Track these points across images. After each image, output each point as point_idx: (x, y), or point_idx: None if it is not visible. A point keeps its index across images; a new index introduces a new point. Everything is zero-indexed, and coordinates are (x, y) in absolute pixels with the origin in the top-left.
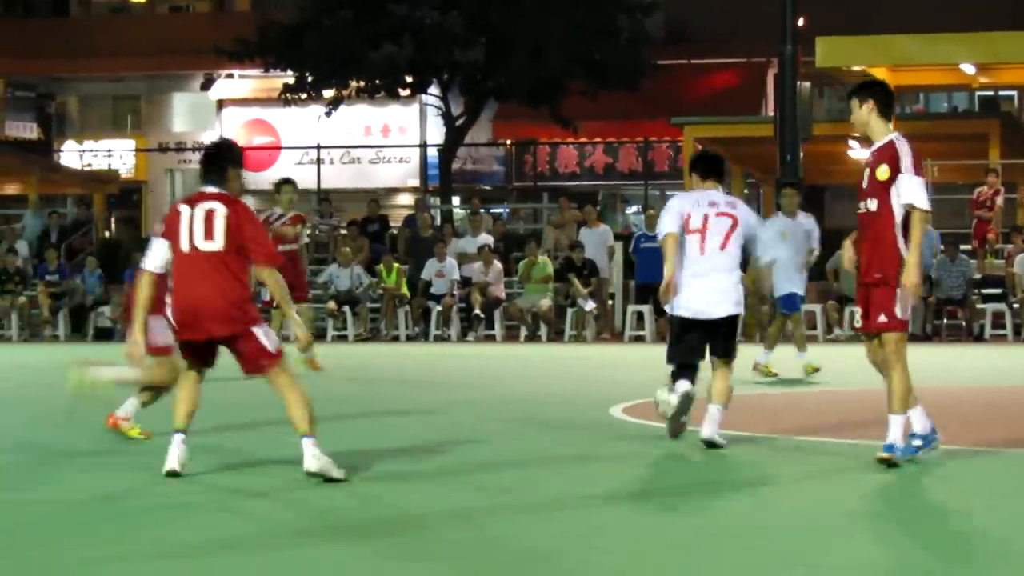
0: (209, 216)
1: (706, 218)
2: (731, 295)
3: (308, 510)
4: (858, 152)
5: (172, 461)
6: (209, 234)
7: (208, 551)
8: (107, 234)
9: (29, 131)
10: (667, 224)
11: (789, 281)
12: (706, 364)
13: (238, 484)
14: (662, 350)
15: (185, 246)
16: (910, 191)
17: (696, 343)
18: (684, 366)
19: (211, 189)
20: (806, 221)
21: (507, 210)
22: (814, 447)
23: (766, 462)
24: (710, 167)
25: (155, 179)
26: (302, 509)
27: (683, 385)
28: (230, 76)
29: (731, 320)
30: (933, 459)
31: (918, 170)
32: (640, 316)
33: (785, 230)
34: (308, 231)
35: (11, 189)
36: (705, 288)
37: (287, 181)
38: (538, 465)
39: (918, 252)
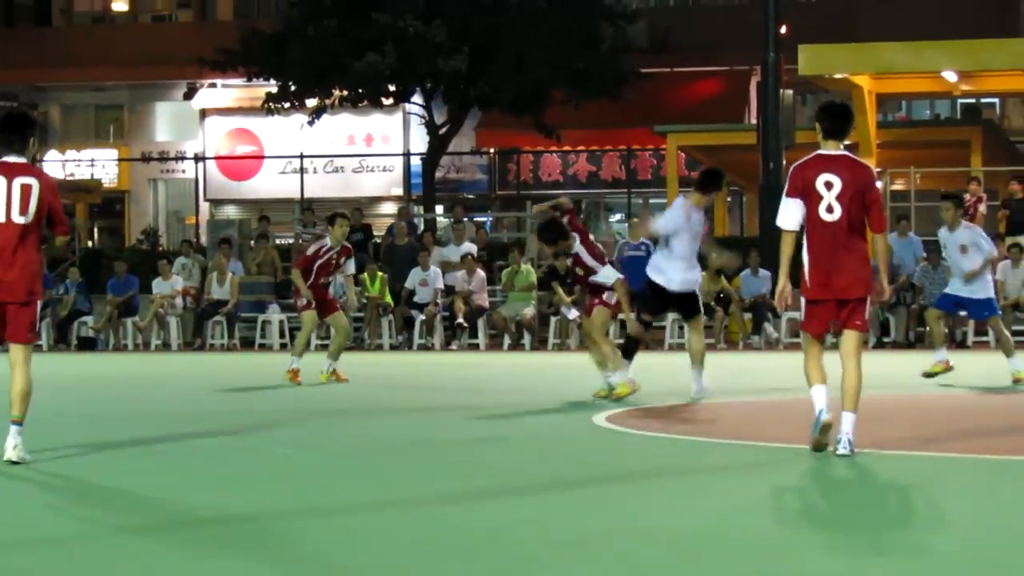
0: (26, 191)
1: None
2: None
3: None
4: None
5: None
6: (24, 209)
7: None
8: (90, 244)
9: None
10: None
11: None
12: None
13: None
14: (646, 358)
15: (1, 218)
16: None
17: (656, 307)
18: (630, 348)
19: (18, 159)
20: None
21: (490, 219)
22: (799, 453)
23: (754, 469)
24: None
25: (138, 189)
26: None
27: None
28: (213, 85)
29: (688, 295)
30: (919, 465)
31: (787, 191)
32: (624, 324)
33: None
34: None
35: None
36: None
37: (343, 215)
38: (519, 474)
39: (784, 266)
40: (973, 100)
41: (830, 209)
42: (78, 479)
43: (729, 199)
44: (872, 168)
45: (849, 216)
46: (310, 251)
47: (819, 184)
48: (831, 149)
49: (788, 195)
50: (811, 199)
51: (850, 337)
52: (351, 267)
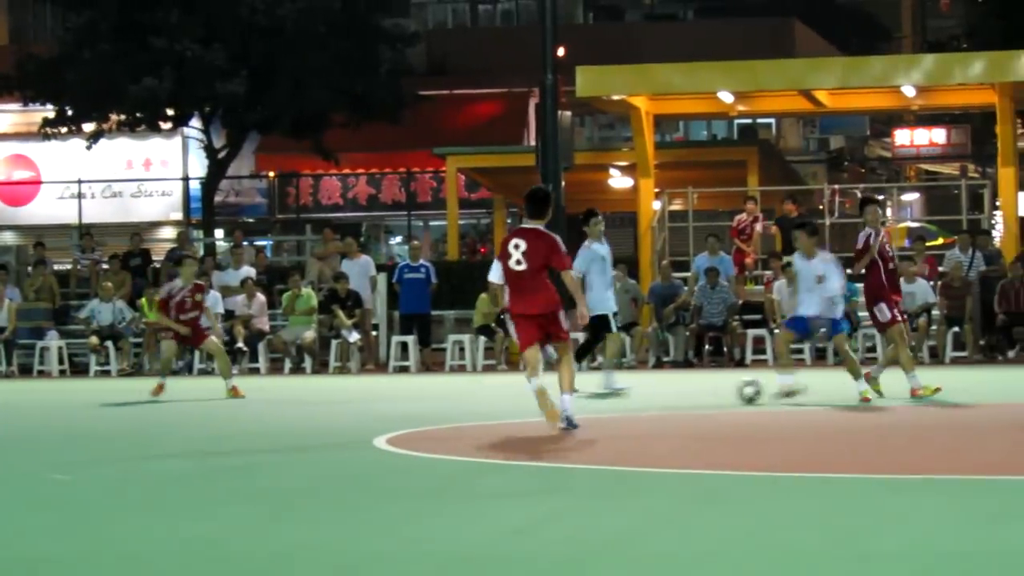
0: None
1: None
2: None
3: None
4: (619, 180)
5: None
6: None
7: None
8: None
9: None
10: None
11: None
12: None
13: None
14: (427, 380)
15: None
16: None
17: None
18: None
19: None
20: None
21: (270, 242)
22: (577, 473)
23: (535, 490)
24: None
25: None
26: None
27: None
28: None
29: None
30: (696, 483)
31: (496, 257)
32: (404, 346)
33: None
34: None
35: None
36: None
37: (190, 256)
38: (300, 498)
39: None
40: (750, 120)
41: (519, 263)
42: None
43: (509, 221)
44: (555, 238)
45: (530, 268)
46: (162, 294)
47: (510, 247)
48: (529, 224)
49: (496, 259)
50: (506, 257)
51: (558, 347)
52: (208, 300)
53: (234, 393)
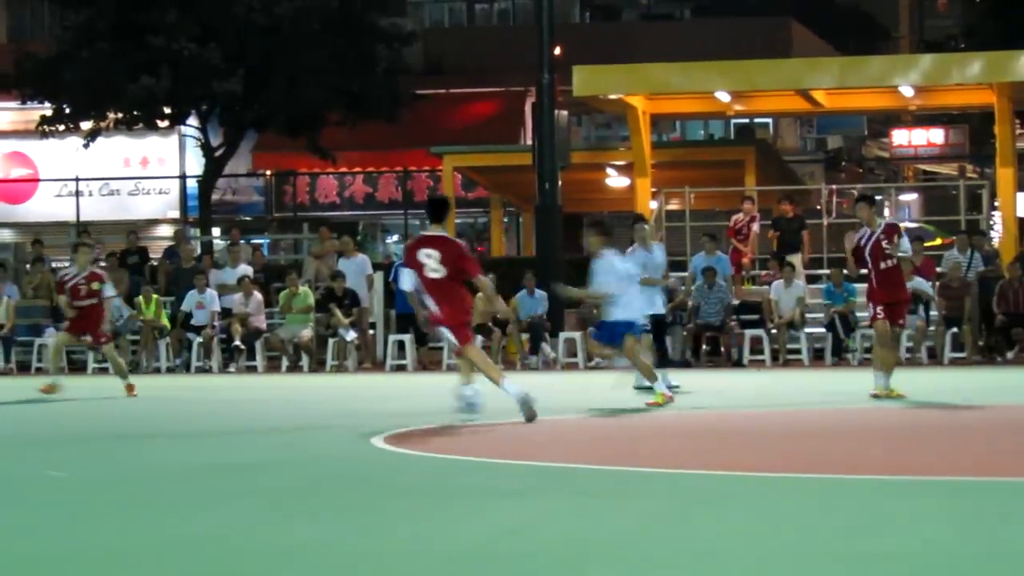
0: None
1: None
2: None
3: None
4: (616, 180)
5: None
6: None
7: None
8: None
9: None
10: None
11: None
12: None
13: None
14: (424, 379)
15: None
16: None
17: None
18: None
19: None
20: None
21: (267, 241)
22: (574, 473)
23: (530, 489)
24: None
25: None
26: None
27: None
28: None
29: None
30: (698, 487)
31: (404, 263)
32: (401, 345)
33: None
34: (111, 286)
35: None
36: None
37: (85, 244)
38: (296, 497)
39: (417, 308)
40: (747, 120)
41: (435, 271)
42: None
43: (506, 220)
44: (461, 244)
45: (448, 273)
46: (59, 276)
47: (422, 256)
48: (432, 231)
49: (405, 266)
50: (420, 266)
51: (466, 351)
52: (108, 291)
53: (128, 391)
